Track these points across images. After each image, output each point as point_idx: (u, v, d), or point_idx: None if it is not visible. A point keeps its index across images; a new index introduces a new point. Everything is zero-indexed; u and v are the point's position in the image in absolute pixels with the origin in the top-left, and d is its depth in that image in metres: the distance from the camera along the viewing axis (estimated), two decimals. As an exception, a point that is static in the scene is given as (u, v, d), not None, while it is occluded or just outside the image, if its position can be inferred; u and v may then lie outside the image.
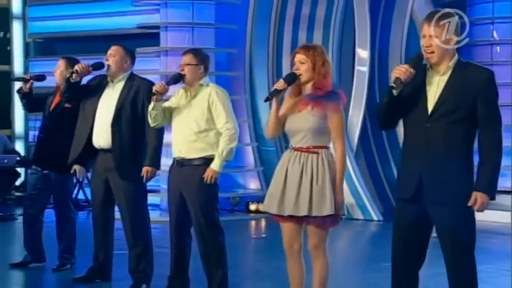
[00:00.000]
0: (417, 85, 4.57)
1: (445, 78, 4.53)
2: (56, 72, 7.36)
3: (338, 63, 11.97)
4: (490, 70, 4.60)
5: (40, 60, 13.91)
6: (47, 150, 7.27)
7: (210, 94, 5.96)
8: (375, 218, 11.23)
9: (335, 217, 5.07)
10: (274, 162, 12.00)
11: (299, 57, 5.14)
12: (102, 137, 6.53)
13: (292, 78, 5.11)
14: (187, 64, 6.02)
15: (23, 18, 14.15)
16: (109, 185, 6.59)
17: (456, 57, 4.56)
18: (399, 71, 4.47)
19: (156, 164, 6.45)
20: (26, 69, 14.07)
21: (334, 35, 11.86)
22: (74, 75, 6.56)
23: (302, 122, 5.09)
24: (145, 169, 6.40)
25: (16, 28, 14.16)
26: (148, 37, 12.26)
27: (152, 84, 6.60)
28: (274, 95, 5.08)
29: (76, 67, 6.57)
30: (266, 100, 5.17)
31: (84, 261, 7.08)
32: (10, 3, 14.08)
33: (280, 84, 5.07)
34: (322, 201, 5.01)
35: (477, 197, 4.44)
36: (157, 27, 11.96)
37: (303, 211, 5.02)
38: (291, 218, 5.11)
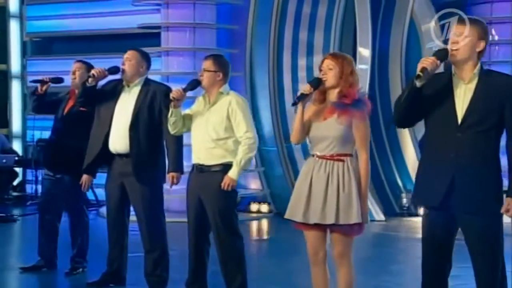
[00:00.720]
0: (443, 92, 4.56)
1: (471, 86, 4.51)
2: (76, 74, 7.27)
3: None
4: None
5: (37, 59, 13.87)
6: (60, 153, 7.22)
7: (230, 103, 5.92)
8: (377, 218, 11.24)
9: (360, 225, 5.05)
10: (275, 162, 12.07)
11: (328, 62, 5.12)
12: (118, 142, 6.48)
13: (318, 83, 5.09)
14: (206, 70, 5.95)
15: (20, 17, 14.07)
16: (125, 189, 6.55)
17: (479, 64, 4.56)
18: (426, 61, 4.44)
19: (179, 169, 6.45)
20: (23, 68, 13.99)
21: (335, 35, 11.84)
22: (90, 79, 6.51)
23: (328, 130, 5.06)
24: (170, 175, 6.40)
25: (13, 27, 14.08)
26: (148, 37, 12.19)
27: (169, 88, 6.59)
28: (301, 99, 5.05)
29: (93, 72, 6.52)
30: (293, 105, 5.12)
31: (94, 263, 7.10)
32: (7, 2, 14.02)
33: (306, 88, 5.05)
34: (349, 210, 4.98)
35: (511, 203, 4.42)
36: (158, 27, 11.91)
37: (330, 220, 4.99)
38: (315, 226, 5.08)
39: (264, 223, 11.32)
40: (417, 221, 10.68)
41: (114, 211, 6.67)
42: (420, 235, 4.79)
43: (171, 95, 5.87)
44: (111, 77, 6.79)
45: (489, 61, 12.65)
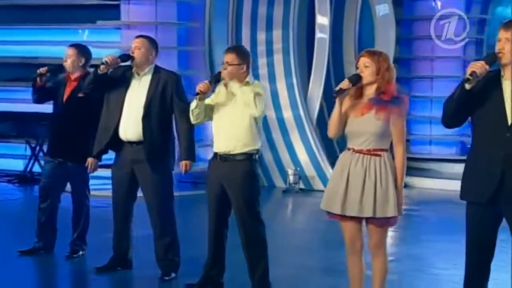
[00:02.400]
0: (492, 92, 4.66)
1: None
2: (67, 61, 7.16)
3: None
4: None
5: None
6: (63, 140, 7.11)
7: (253, 91, 5.90)
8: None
9: (395, 217, 5.16)
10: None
11: (364, 60, 5.16)
12: (130, 130, 6.42)
13: (357, 79, 5.13)
14: (230, 64, 5.92)
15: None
16: (134, 176, 6.51)
17: None
18: (475, 65, 4.55)
19: (192, 157, 6.46)
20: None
21: (294, 9, 11.89)
22: (102, 66, 6.39)
23: (366, 125, 5.12)
24: (183, 163, 6.41)
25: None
26: (105, 8, 12.01)
27: (179, 76, 6.57)
28: (340, 93, 5.09)
29: (106, 59, 6.40)
30: (334, 98, 5.16)
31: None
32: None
33: (345, 84, 5.09)
34: (386, 203, 5.08)
35: None
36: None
37: (367, 213, 5.09)
38: (352, 218, 5.17)
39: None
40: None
41: (121, 197, 6.63)
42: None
43: (198, 89, 5.84)
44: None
45: (431, 55, 13.21)
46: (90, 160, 6.81)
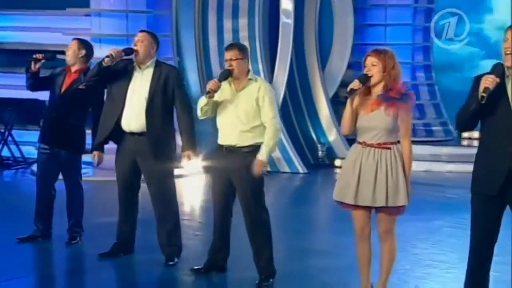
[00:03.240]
0: (498, 93, 4.87)
1: None
2: (68, 51, 7.21)
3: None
4: None
5: None
6: (59, 129, 7.17)
7: (259, 88, 6.07)
8: (300, 170, 11.69)
9: (404, 205, 5.40)
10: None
11: (371, 59, 5.37)
12: (133, 121, 6.54)
13: (366, 79, 5.34)
14: (234, 59, 6.05)
15: None
16: (136, 166, 6.63)
17: None
18: (487, 81, 4.79)
19: (194, 148, 6.59)
20: None
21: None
22: (106, 59, 6.48)
23: (376, 120, 5.34)
24: (186, 154, 6.53)
25: None
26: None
27: (178, 70, 6.73)
28: (351, 93, 5.30)
29: (111, 52, 6.49)
30: (345, 98, 5.35)
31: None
32: None
33: (355, 84, 5.30)
34: (396, 193, 5.33)
35: None
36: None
37: (380, 203, 5.33)
38: (363, 207, 5.39)
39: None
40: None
41: (124, 186, 6.76)
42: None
43: (208, 87, 5.96)
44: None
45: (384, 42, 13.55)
46: (96, 153, 6.91)
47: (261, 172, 6.03)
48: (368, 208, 5.43)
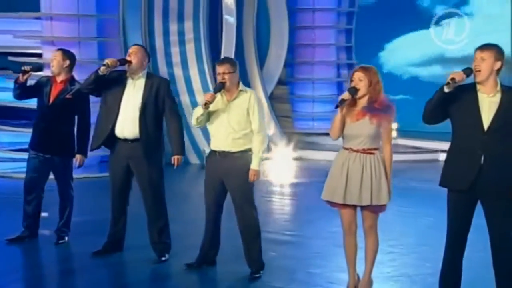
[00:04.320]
0: (469, 102, 5.48)
1: (495, 100, 5.45)
2: (53, 62, 7.42)
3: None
4: None
5: None
6: (51, 137, 7.40)
7: (250, 99, 6.47)
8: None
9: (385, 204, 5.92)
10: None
11: (359, 75, 5.85)
12: (127, 128, 6.83)
13: (355, 91, 5.82)
14: (226, 73, 6.42)
15: None
16: (129, 170, 6.93)
17: (499, 82, 5.52)
18: (455, 74, 5.39)
19: (183, 152, 6.94)
20: None
21: (204, 1, 12.33)
22: (102, 68, 6.71)
23: (361, 129, 5.83)
24: (175, 158, 6.85)
25: None
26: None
27: (168, 81, 7.06)
28: (342, 103, 5.77)
29: (107, 61, 6.73)
30: (336, 107, 5.80)
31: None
32: None
33: (346, 96, 5.77)
34: (380, 193, 5.83)
35: None
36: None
37: (366, 202, 5.82)
38: (350, 205, 5.89)
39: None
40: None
41: (118, 190, 7.04)
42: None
43: (206, 99, 6.31)
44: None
45: (312, 25, 14.07)
46: (78, 156, 7.27)
47: (255, 179, 6.45)
48: (354, 207, 5.92)
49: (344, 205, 5.91)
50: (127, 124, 6.82)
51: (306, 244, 7.80)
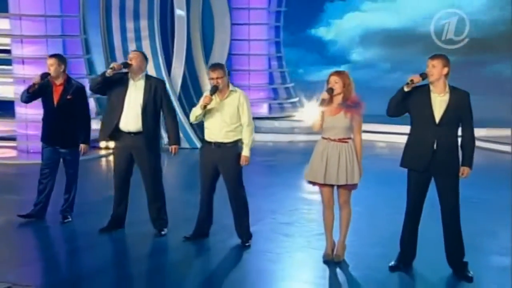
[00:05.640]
0: (423, 100, 6.58)
1: (445, 98, 6.57)
2: (51, 68, 8.14)
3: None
4: (467, 92, 6.68)
5: None
6: (57, 132, 8.18)
7: (239, 98, 7.39)
8: (198, 146, 12.96)
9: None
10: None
11: (334, 78, 6.84)
12: (131, 123, 7.66)
13: (332, 91, 6.82)
14: (219, 78, 7.31)
15: None
16: (132, 158, 7.78)
17: (447, 84, 6.63)
18: (414, 76, 6.49)
19: (178, 142, 7.85)
20: None
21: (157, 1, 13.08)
22: (109, 70, 7.51)
23: (338, 122, 6.85)
24: (173, 147, 7.74)
25: None
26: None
27: (164, 82, 7.94)
28: (323, 102, 6.76)
29: (113, 65, 7.55)
30: (320, 105, 6.78)
31: None
32: None
33: (325, 96, 6.76)
34: (353, 174, 6.87)
35: (465, 170, 6.63)
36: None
37: (342, 181, 6.86)
38: (329, 185, 6.91)
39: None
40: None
41: (121, 175, 7.87)
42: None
43: (204, 102, 7.24)
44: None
45: (248, 21, 15.03)
46: (82, 146, 8.08)
47: (245, 164, 7.39)
48: (332, 186, 6.96)
49: (324, 185, 6.93)
50: (131, 119, 7.64)
51: (278, 219, 8.78)
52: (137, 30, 13.16)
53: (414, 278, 6.75)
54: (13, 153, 12.41)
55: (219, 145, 7.41)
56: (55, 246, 7.83)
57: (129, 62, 7.67)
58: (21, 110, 12.25)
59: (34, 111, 12.03)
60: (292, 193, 10.04)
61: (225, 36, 14.84)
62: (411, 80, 6.50)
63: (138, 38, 13.09)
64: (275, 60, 16.37)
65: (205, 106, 7.25)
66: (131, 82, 7.71)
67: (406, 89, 6.53)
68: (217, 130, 7.40)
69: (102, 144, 12.72)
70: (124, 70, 7.67)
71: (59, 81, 8.18)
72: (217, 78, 7.32)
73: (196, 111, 7.38)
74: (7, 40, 12.31)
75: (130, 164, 7.82)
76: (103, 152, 12.88)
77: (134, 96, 7.66)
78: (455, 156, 6.63)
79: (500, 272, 6.84)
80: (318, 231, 7.66)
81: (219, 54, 14.79)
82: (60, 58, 8.25)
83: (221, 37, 14.85)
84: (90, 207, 8.90)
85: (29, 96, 8.15)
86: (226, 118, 7.37)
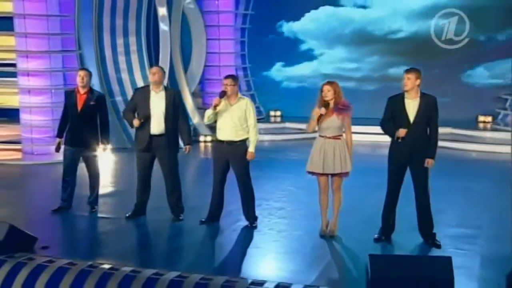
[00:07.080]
0: (399, 105, 7.82)
1: (416, 103, 7.79)
2: (83, 80, 9.08)
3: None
4: (434, 96, 7.90)
5: None
6: (81, 135, 9.10)
7: (247, 104, 8.52)
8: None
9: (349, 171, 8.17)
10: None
11: (327, 87, 8.01)
12: (156, 127, 8.73)
13: (328, 104, 7.98)
14: (228, 85, 8.41)
15: None
16: (153, 156, 8.84)
17: (419, 91, 7.86)
18: (402, 133, 7.70)
19: (191, 142, 8.93)
20: None
21: (144, 21, 14.03)
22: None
23: (332, 123, 8.02)
24: (187, 147, 8.84)
25: None
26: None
27: (179, 92, 8.93)
28: (322, 116, 7.93)
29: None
30: (318, 114, 7.93)
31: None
32: None
33: (323, 111, 7.90)
34: (345, 164, 8.05)
35: (429, 161, 7.85)
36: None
37: (337, 170, 8.04)
38: (325, 174, 8.07)
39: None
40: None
41: (145, 170, 8.91)
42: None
43: (214, 103, 8.33)
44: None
45: (217, 24, 16.24)
46: (103, 146, 9.16)
47: (252, 158, 8.50)
48: (327, 175, 8.13)
49: (322, 174, 8.10)
50: (156, 125, 8.70)
51: (272, 205, 9.89)
52: (126, 45, 14.07)
53: (394, 246, 7.85)
54: (18, 155, 13.16)
55: (230, 143, 8.49)
56: (90, 230, 8.78)
57: (153, 75, 8.68)
58: (26, 116, 13.02)
59: (38, 117, 12.88)
60: (277, 184, 11.24)
61: (201, 49, 15.86)
62: (401, 135, 7.72)
63: (127, 52, 13.98)
64: (241, 70, 17.41)
65: (215, 107, 8.30)
66: (152, 93, 8.75)
67: (398, 140, 7.78)
68: (228, 130, 8.47)
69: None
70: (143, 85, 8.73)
71: (84, 91, 9.10)
72: (227, 84, 8.40)
73: (208, 112, 8.46)
74: (12, 55, 13.04)
75: (152, 161, 8.87)
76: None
77: (158, 104, 8.70)
78: (426, 148, 7.85)
79: (454, 239, 8.12)
80: (307, 213, 8.85)
81: (196, 65, 15.79)
82: (89, 72, 9.23)
83: (198, 49, 15.85)
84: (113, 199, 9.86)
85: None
86: (235, 120, 8.44)
